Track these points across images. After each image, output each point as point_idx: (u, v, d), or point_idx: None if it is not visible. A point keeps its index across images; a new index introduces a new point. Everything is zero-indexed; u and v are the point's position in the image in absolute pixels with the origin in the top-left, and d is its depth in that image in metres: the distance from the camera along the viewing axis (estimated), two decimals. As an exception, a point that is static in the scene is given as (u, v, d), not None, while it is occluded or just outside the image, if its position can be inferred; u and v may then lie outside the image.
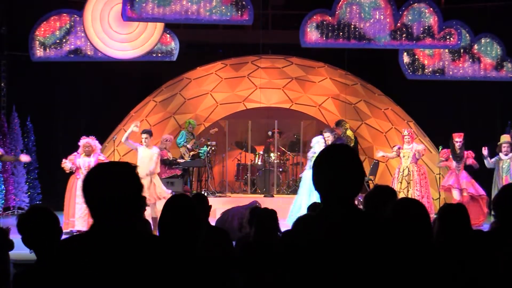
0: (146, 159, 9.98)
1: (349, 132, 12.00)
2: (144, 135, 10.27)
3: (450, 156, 11.02)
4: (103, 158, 10.08)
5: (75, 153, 10.02)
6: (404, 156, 11.07)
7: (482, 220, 10.68)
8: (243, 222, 6.59)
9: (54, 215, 3.15)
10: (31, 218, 3.10)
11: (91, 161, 9.77)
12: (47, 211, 3.16)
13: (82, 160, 9.86)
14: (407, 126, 13.90)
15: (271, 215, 4.72)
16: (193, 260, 2.76)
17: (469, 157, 10.96)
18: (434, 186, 12.77)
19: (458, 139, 10.89)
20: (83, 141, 9.94)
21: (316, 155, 2.60)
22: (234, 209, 9.05)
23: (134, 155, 10.92)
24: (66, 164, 9.92)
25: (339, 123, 12.22)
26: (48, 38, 11.17)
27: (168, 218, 2.85)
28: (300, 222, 2.45)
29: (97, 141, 10.11)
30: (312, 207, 5.75)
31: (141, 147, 10.17)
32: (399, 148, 11.19)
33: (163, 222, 2.87)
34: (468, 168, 11.12)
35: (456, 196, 10.79)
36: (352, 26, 10.83)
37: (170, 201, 2.96)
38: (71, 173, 10.05)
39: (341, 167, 2.29)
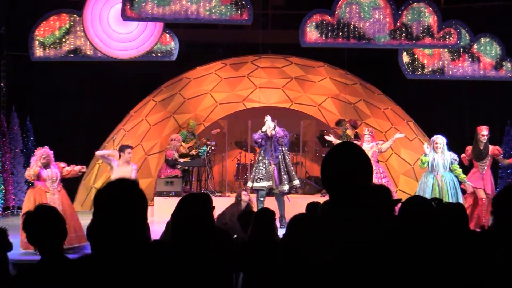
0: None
1: (348, 132, 12.01)
2: (130, 150, 9.62)
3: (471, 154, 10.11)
4: (63, 165, 9.27)
5: (36, 164, 9.01)
6: None
7: None
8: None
9: (60, 216, 3.17)
10: (37, 217, 3.11)
11: (55, 171, 9.03)
12: (54, 211, 3.18)
13: (48, 172, 9.01)
14: (406, 125, 13.92)
15: (270, 215, 4.72)
16: (196, 260, 2.77)
17: (496, 153, 10.13)
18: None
19: (485, 132, 10.05)
20: (40, 151, 9.02)
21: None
22: (227, 211, 8.93)
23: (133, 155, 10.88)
24: (30, 172, 9.00)
25: (339, 123, 12.24)
26: (47, 38, 11.16)
27: (182, 217, 2.88)
28: (300, 223, 2.44)
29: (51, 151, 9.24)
30: (310, 207, 5.74)
31: (116, 162, 9.48)
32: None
33: (175, 220, 2.91)
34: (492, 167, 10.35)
35: (482, 195, 10.01)
36: (352, 25, 10.83)
37: (184, 200, 3.00)
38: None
39: (348, 164, 2.30)
